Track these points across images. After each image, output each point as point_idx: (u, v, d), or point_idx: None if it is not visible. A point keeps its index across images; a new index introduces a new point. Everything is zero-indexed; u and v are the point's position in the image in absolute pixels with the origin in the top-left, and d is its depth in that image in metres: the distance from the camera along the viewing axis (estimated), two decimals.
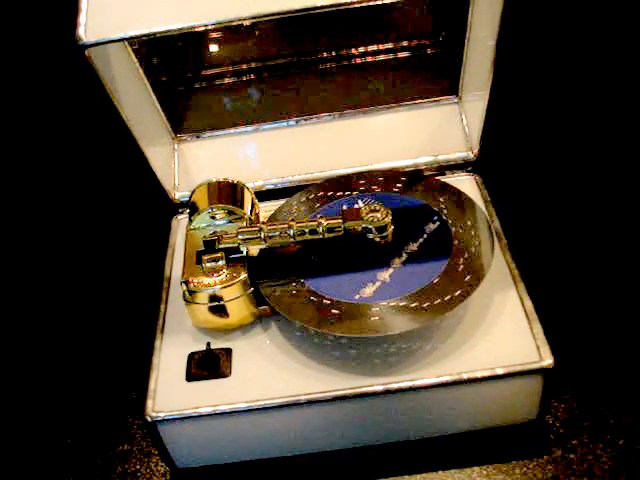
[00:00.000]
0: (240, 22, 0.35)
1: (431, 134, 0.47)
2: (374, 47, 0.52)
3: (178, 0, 0.35)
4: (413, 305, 0.35)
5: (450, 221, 0.39)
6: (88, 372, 0.43)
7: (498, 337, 0.35)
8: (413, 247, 0.38)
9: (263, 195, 0.45)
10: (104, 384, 0.42)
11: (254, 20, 0.35)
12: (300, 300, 0.36)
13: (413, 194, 0.41)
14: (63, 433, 0.40)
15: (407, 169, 0.46)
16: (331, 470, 0.36)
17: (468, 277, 0.36)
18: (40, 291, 0.49)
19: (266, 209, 0.43)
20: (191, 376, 0.36)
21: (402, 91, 0.49)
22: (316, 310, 0.35)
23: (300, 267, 0.38)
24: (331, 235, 0.37)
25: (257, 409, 0.34)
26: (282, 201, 0.43)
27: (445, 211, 0.40)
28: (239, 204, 0.40)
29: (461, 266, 0.36)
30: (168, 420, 0.34)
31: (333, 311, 0.35)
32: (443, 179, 0.44)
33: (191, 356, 0.37)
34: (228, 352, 0.37)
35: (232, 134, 0.49)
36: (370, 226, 0.37)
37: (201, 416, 0.34)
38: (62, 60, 0.52)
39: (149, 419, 0.34)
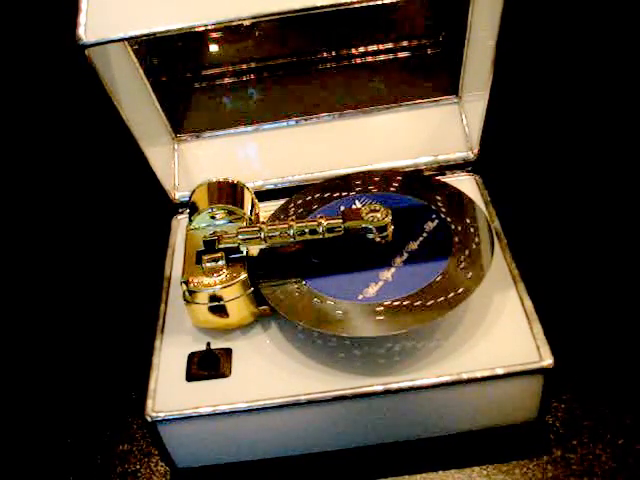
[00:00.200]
0: (240, 22, 0.35)
1: (431, 134, 0.47)
2: (374, 47, 0.52)
3: (178, 0, 0.35)
4: (416, 304, 0.35)
5: (450, 221, 0.39)
6: (88, 372, 0.43)
7: (498, 337, 0.35)
8: (413, 247, 0.38)
9: (263, 195, 0.45)
10: (104, 384, 0.42)
11: (254, 20, 0.35)
12: (301, 300, 0.36)
13: (413, 194, 0.41)
14: (63, 433, 0.40)
15: (407, 169, 0.46)
16: (331, 470, 0.36)
17: (468, 277, 0.36)
18: (40, 291, 0.49)
19: (266, 209, 0.43)
20: (191, 376, 0.36)
21: (402, 91, 0.49)
22: (318, 310, 0.35)
23: (300, 267, 0.38)
24: (331, 235, 0.37)
25: (257, 409, 0.34)
26: (282, 201, 0.43)
27: (445, 211, 0.40)
28: (239, 204, 0.40)
29: (461, 266, 0.36)
30: (168, 420, 0.34)
31: (337, 312, 0.35)
32: (443, 179, 0.44)
33: (191, 356, 0.37)
34: (228, 352, 0.37)
35: (232, 134, 0.49)
36: (370, 226, 0.37)
37: (201, 416, 0.34)
38: (62, 60, 0.52)
39: (149, 419, 0.34)
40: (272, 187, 0.47)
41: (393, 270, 0.37)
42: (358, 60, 0.52)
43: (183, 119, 0.50)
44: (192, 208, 0.40)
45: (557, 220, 0.47)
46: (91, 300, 0.47)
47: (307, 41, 0.52)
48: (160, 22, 0.35)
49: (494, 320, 0.36)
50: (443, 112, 0.48)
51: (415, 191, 0.41)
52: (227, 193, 0.41)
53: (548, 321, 0.35)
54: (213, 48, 0.52)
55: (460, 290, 0.35)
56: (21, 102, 0.62)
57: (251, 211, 0.41)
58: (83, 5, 0.35)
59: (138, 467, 0.38)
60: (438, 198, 0.40)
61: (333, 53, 0.52)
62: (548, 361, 0.33)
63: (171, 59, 0.51)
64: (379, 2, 0.36)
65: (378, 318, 0.34)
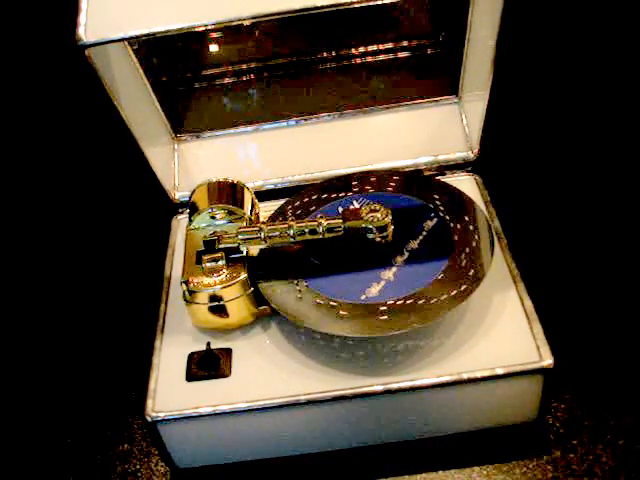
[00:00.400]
0: (240, 22, 0.35)
1: (431, 134, 0.47)
2: (374, 47, 0.52)
3: (178, 0, 0.35)
4: (419, 303, 0.35)
5: (450, 221, 0.39)
6: (88, 372, 0.43)
7: (498, 337, 0.35)
8: (413, 248, 0.38)
9: (263, 195, 0.45)
10: (104, 384, 0.42)
11: (254, 20, 0.35)
12: (301, 300, 0.36)
13: (413, 194, 0.41)
14: (63, 433, 0.40)
15: (407, 169, 0.46)
16: (331, 470, 0.36)
17: (468, 277, 0.35)
18: (40, 291, 0.49)
19: (266, 209, 0.43)
20: (191, 376, 0.36)
21: (402, 91, 0.49)
22: (320, 311, 0.35)
23: (300, 267, 0.38)
24: (331, 235, 0.37)
25: (257, 409, 0.34)
26: (282, 201, 0.43)
27: (445, 211, 0.40)
28: (239, 204, 0.40)
29: (461, 266, 0.36)
30: (168, 420, 0.34)
31: (340, 312, 0.35)
32: (443, 179, 0.44)
33: (191, 356, 0.37)
34: (228, 352, 0.37)
35: (232, 134, 0.49)
36: (370, 226, 0.37)
37: (201, 416, 0.34)
38: (62, 60, 0.52)
39: (149, 419, 0.34)
40: (272, 187, 0.47)
41: (394, 270, 0.37)
42: (358, 60, 0.52)
43: (183, 119, 0.50)
44: (192, 208, 0.40)
45: (557, 220, 0.47)
46: (91, 300, 0.47)
47: (307, 41, 0.52)
48: (160, 22, 0.35)
49: (494, 320, 0.36)
50: (443, 112, 0.48)
51: (415, 191, 0.41)
52: (227, 193, 0.41)
53: (548, 321, 0.35)
54: (213, 48, 0.52)
55: (459, 290, 0.35)
56: (21, 102, 0.62)
57: (251, 211, 0.41)
58: (83, 5, 0.35)
59: (138, 467, 0.38)
60: (438, 198, 0.40)
61: (333, 53, 0.52)
62: (548, 361, 0.33)
63: (171, 59, 0.51)
64: (379, 2, 0.36)
65: (382, 318, 0.34)
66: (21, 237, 0.53)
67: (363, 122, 0.48)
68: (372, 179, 0.43)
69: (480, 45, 0.41)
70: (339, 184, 0.43)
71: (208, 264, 0.37)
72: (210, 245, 0.38)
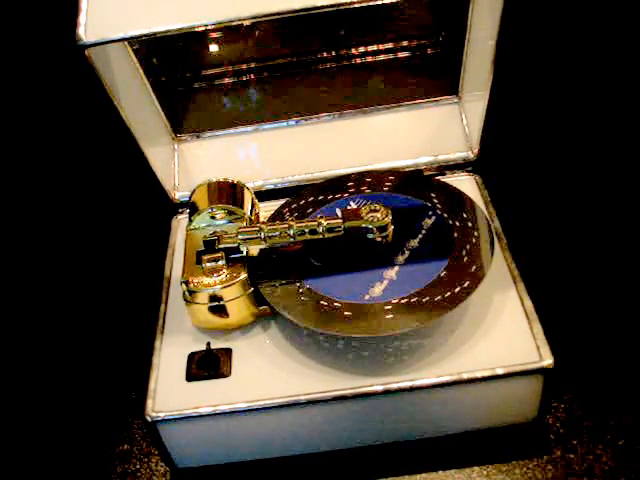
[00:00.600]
0: (240, 22, 0.35)
1: (431, 134, 0.47)
2: (374, 47, 0.52)
3: (178, 0, 0.35)
4: (422, 302, 0.35)
5: (450, 221, 0.39)
6: (88, 372, 0.43)
7: (498, 337, 0.35)
8: (413, 248, 0.38)
9: (263, 195, 0.45)
10: (104, 384, 0.42)
11: (254, 20, 0.35)
12: (301, 300, 0.36)
13: (413, 194, 0.41)
14: (63, 433, 0.40)
15: (407, 169, 0.46)
16: (331, 470, 0.36)
17: (468, 277, 0.35)
18: (40, 291, 0.49)
19: (266, 209, 0.43)
20: (191, 376, 0.36)
21: (402, 91, 0.49)
22: (321, 311, 0.35)
23: (300, 267, 0.38)
24: (331, 235, 0.37)
25: (257, 409, 0.34)
26: (282, 201, 0.43)
27: (445, 211, 0.40)
28: (239, 204, 0.40)
29: (461, 266, 0.36)
30: (168, 420, 0.34)
31: (345, 312, 0.35)
32: (443, 179, 0.44)
33: (191, 356, 0.37)
34: (228, 352, 0.37)
35: (232, 134, 0.49)
36: (370, 226, 0.37)
37: (201, 416, 0.34)
38: (62, 60, 0.52)
39: (149, 419, 0.34)
40: (272, 187, 0.47)
41: (396, 270, 0.37)
42: (358, 60, 0.52)
43: (183, 119, 0.50)
44: (192, 208, 0.40)
45: (557, 220, 0.47)
46: (91, 300, 0.47)
47: (307, 41, 0.52)
48: (160, 22, 0.35)
49: (494, 320, 0.36)
50: (443, 112, 0.48)
51: (415, 191, 0.41)
52: (227, 193, 0.41)
53: (548, 321, 0.35)
54: (213, 48, 0.52)
55: (460, 289, 0.35)
56: (21, 102, 0.62)
57: (251, 211, 0.41)
58: (83, 5, 0.35)
59: (138, 467, 0.38)
60: (438, 198, 0.40)
61: (333, 53, 0.52)
62: (548, 361, 0.33)
63: (171, 59, 0.51)
64: (379, 2, 0.36)
65: (387, 317, 0.34)
66: (21, 237, 0.53)
67: (363, 122, 0.48)
68: (372, 179, 0.43)
69: (480, 45, 0.41)
70: (339, 184, 0.43)
71: (208, 264, 0.37)
72: (210, 245, 0.38)
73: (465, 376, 0.33)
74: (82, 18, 0.35)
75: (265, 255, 0.39)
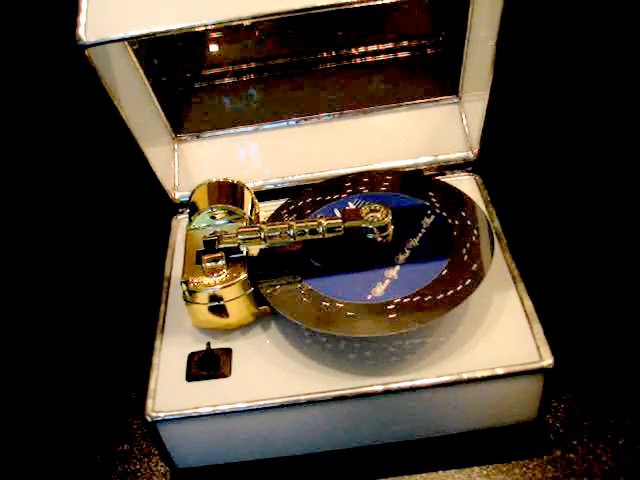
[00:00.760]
0: (240, 22, 0.35)
1: (431, 134, 0.47)
2: (374, 47, 0.52)
3: (178, 0, 0.35)
4: (424, 301, 0.35)
5: (450, 221, 0.39)
6: (88, 372, 0.43)
7: (498, 337, 0.35)
8: (413, 248, 0.38)
9: (263, 195, 0.45)
10: (104, 384, 0.42)
11: (254, 20, 0.35)
12: (302, 300, 0.36)
13: (413, 194, 0.41)
14: (63, 433, 0.40)
15: (407, 169, 0.46)
16: (331, 470, 0.36)
17: (468, 277, 0.35)
18: (40, 291, 0.49)
19: (266, 209, 0.43)
20: (191, 376, 0.36)
21: (402, 91, 0.49)
22: (322, 311, 0.35)
23: (300, 267, 0.38)
24: (331, 235, 0.37)
25: (257, 409, 0.34)
26: (282, 201, 0.43)
27: (445, 211, 0.40)
28: (239, 204, 0.40)
29: (461, 266, 0.36)
30: (168, 420, 0.34)
31: (348, 313, 0.35)
32: (443, 179, 0.44)
33: (191, 356, 0.37)
34: (228, 352, 0.37)
35: (232, 134, 0.49)
36: (370, 226, 0.37)
37: (201, 416, 0.34)
38: (62, 60, 0.52)
39: (149, 419, 0.34)
40: (272, 187, 0.47)
41: (396, 270, 0.37)
42: (358, 60, 0.52)
43: (183, 119, 0.50)
44: (192, 208, 0.40)
45: (557, 220, 0.47)
46: (91, 300, 0.47)
47: (307, 41, 0.52)
48: (160, 22, 0.35)
49: (494, 320, 0.36)
50: (443, 112, 0.48)
51: (415, 191, 0.41)
52: (227, 193, 0.41)
53: (548, 321, 0.35)
54: (213, 48, 0.52)
55: (460, 289, 0.35)
56: (21, 102, 0.62)
57: (251, 211, 0.41)
58: (83, 5, 0.35)
59: (138, 467, 0.38)
60: (438, 198, 0.40)
61: (333, 53, 0.52)
62: (548, 361, 0.33)
63: (171, 59, 0.51)
64: (379, 2, 0.36)
65: (388, 317, 0.34)
66: (21, 237, 0.53)
67: (363, 122, 0.48)
68: (372, 179, 0.43)
69: (480, 45, 0.41)
70: (339, 184, 0.43)
71: (208, 264, 0.37)
72: (210, 245, 0.38)
73: (465, 376, 0.33)
74: (82, 18, 0.35)
75: (265, 255, 0.39)
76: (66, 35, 0.36)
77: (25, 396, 0.42)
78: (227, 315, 0.37)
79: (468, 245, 0.37)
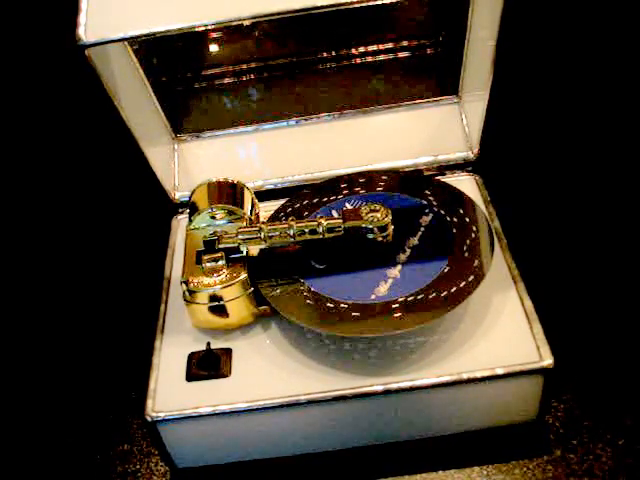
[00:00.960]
0: (240, 22, 0.35)
1: (431, 134, 0.47)
2: (374, 47, 0.52)
3: (178, 0, 0.35)
4: (419, 304, 0.35)
5: (450, 221, 0.39)
6: (88, 372, 0.43)
7: (498, 337, 0.35)
8: (413, 248, 0.38)
9: (263, 195, 0.45)
10: (104, 384, 0.42)
11: (254, 20, 0.35)
12: (302, 300, 0.36)
13: (413, 194, 0.41)
14: (63, 433, 0.40)
15: (407, 169, 0.46)
16: (331, 470, 0.36)
17: (467, 277, 0.35)
18: (40, 291, 0.49)
19: (266, 209, 0.43)
20: (191, 376, 0.36)
21: (402, 91, 0.49)
22: (328, 312, 0.35)
23: (300, 267, 0.38)
24: (331, 235, 0.37)
25: (257, 409, 0.34)
26: (282, 201, 0.43)
27: (445, 211, 0.40)
28: (239, 204, 0.40)
29: (461, 266, 0.36)
30: (168, 420, 0.34)
31: (347, 313, 0.35)
32: (443, 179, 0.44)
33: (191, 356, 0.37)
34: (228, 352, 0.37)
35: (232, 134, 0.49)
36: (370, 226, 0.37)
37: (201, 416, 0.34)
38: (62, 60, 0.52)
39: (149, 419, 0.34)
40: (272, 187, 0.47)
41: (397, 271, 0.37)
42: (358, 60, 0.52)
43: (183, 119, 0.50)
44: (192, 208, 0.40)
45: (557, 220, 0.47)
46: (91, 300, 0.47)
47: (307, 41, 0.52)
48: (160, 22, 0.35)
49: (494, 320, 0.36)
50: (443, 112, 0.48)
51: (415, 191, 0.41)
52: (227, 193, 0.41)
53: (548, 321, 0.35)
54: (213, 48, 0.52)
55: (460, 290, 0.35)
56: (21, 102, 0.62)
57: (251, 211, 0.41)
58: (83, 5, 0.35)
59: (138, 467, 0.38)
60: (438, 198, 0.40)
61: (333, 53, 0.52)
62: (548, 361, 0.33)
63: (171, 59, 0.51)
64: (379, 2, 0.36)
65: (389, 318, 0.34)
66: (21, 237, 0.53)
67: (363, 122, 0.48)
68: (372, 179, 0.43)
69: (480, 45, 0.41)
70: (339, 184, 0.43)
71: (208, 264, 0.37)
72: (210, 245, 0.38)
73: (465, 376, 0.33)
74: (82, 18, 0.35)
75: (265, 255, 0.39)
76: (66, 35, 0.36)
77: (25, 396, 0.42)
78: (227, 315, 0.37)
79: (468, 245, 0.37)
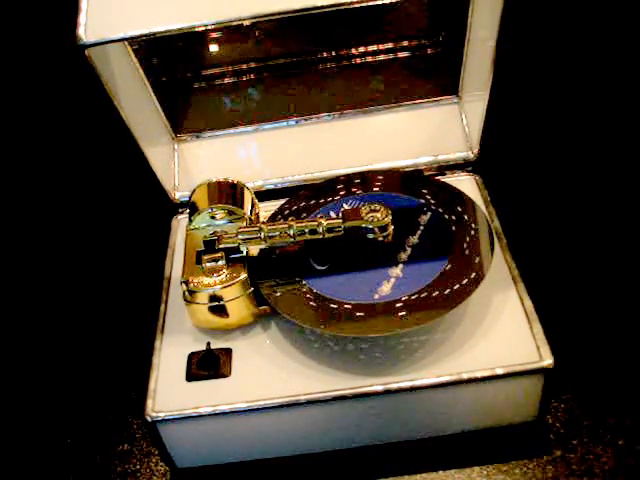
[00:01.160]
0: (240, 22, 0.35)
1: (431, 134, 0.47)
2: (374, 47, 0.52)
3: (178, 0, 0.35)
4: (419, 304, 0.35)
5: (450, 221, 0.39)
6: (88, 372, 0.43)
7: (498, 337, 0.35)
8: (413, 248, 0.38)
9: (263, 195, 0.45)
10: (104, 384, 0.42)
11: (254, 20, 0.35)
12: (302, 300, 0.36)
13: (413, 194, 0.41)
14: (63, 433, 0.40)
15: (407, 169, 0.46)
16: (331, 470, 0.36)
17: (467, 277, 0.35)
18: (40, 291, 0.49)
19: (266, 209, 0.43)
20: (191, 376, 0.36)
21: (402, 91, 0.49)
22: (329, 312, 0.35)
23: (300, 267, 0.38)
24: (331, 235, 0.37)
25: (257, 409, 0.34)
26: (282, 201, 0.43)
27: (445, 211, 0.40)
28: (239, 204, 0.40)
29: (460, 266, 0.36)
30: (168, 420, 0.34)
31: (347, 313, 0.35)
32: (443, 179, 0.44)
33: (191, 356, 0.37)
34: (228, 352, 0.37)
35: (232, 134, 0.49)
36: (370, 226, 0.37)
37: (201, 416, 0.34)
38: (62, 60, 0.52)
39: (149, 419, 0.34)
40: (272, 187, 0.47)
41: (397, 270, 0.37)
42: (358, 60, 0.52)
43: (183, 119, 0.50)
44: (192, 208, 0.40)
45: (557, 220, 0.47)
46: (91, 300, 0.47)
47: (307, 41, 0.52)
48: (160, 22, 0.35)
49: (494, 320, 0.36)
50: (443, 112, 0.48)
51: (415, 191, 0.41)
52: (227, 193, 0.41)
53: (548, 321, 0.35)
54: (213, 48, 0.52)
55: (459, 290, 0.35)
56: (21, 102, 0.62)
57: (251, 211, 0.41)
58: (83, 5, 0.35)
59: (138, 467, 0.38)
60: (438, 198, 0.40)
61: (333, 53, 0.52)
62: (548, 361, 0.33)
63: (171, 59, 0.51)
64: (379, 2, 0.36)
65: (389, 318, 0.34)
66: (21, 237, 0.53)
67: (363, 122, 0.48)
68: (372, 179, 0.43)
69: (480, 45, 0.41)
70: (339, 184, 0.43)
71: (208, 264, 0.37)
72: (210, 245, 0.38)
73: (465, 376, 0.33)
74: (82, 18, 0.35)
75: (265, 255, 0.39)
76: (66, 35, 0.36)
77: (25, 396, 0.42)
78: (227, 315, 0.37)
79: (467, 245, 0.37)
